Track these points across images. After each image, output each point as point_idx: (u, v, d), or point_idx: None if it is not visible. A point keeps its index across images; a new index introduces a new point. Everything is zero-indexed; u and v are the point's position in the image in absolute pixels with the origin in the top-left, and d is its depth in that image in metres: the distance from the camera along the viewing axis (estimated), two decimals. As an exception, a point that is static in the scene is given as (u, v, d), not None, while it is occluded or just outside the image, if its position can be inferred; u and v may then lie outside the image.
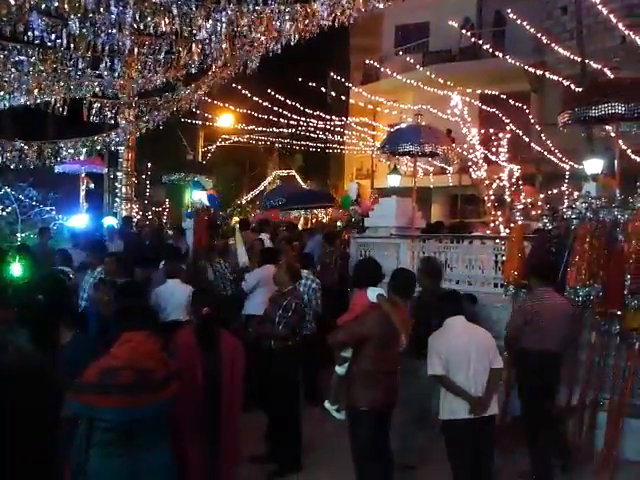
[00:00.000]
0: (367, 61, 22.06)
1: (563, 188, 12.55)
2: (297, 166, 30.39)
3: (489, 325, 7.02)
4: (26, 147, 10.24)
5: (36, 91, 8.65)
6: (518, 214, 7.12)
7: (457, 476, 4.35)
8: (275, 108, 19.91)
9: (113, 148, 12.62)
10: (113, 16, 5.95)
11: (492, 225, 11.78)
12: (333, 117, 21.36)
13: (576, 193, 7.32)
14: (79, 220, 13.91)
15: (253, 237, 10.19)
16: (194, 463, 3.85)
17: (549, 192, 12.50)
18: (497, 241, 7.65)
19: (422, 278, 5.70)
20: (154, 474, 3.22)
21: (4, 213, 14.01)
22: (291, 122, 21.06)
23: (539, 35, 15.70)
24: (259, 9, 6.00)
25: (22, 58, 7.98)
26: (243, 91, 17.85)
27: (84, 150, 10.81)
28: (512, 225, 7.30)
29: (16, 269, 8.01)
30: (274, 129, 22.27)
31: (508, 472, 5.38)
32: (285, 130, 22.26)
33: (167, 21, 5.93)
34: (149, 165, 18.79)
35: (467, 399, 4.19)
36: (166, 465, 3.30)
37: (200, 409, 3.92)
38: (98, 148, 11.15)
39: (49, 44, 7.75)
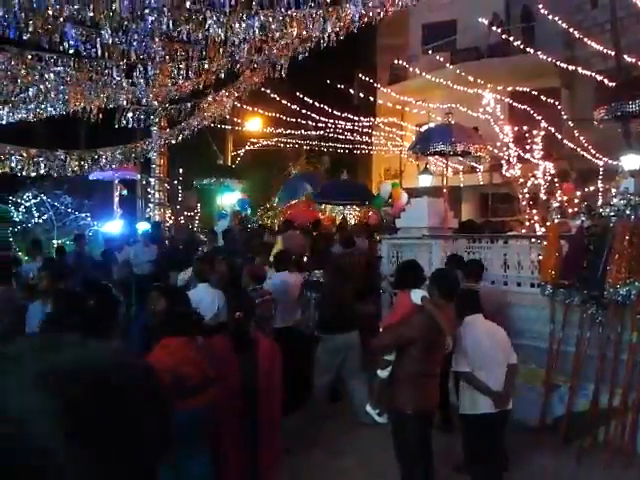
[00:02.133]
0: (395, 61, 21.97)
1: (599, 184, 12.30)
2: (325, 168, 30.40)
3: (520, 325, 7.00)
4: (68, 157, 10.48)
5: (73, 100, 8.83)
6: (555, 212, 7.01)
7: (473, 468, 4.45)
8: (303, 110, 19.96)
9: (148, 155, 12.81)
10: (148, 24, 6.04)
11: (527, 224, 11.61)
12: (361, 118, 21.33)
13: (613, 190, 7.19)
14: (114, 226, 14.14)
15: (300, 236, 10.27)
16: (235, 467, 3.87)
17: (585, 189, 12.26)
18: (533, 240, 7.55)
19: None
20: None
21: (40, 220, 14.30)
22: (319, 124, 21.09)
23: (569, 29, 15.45)
24: (290, 13, 6.02)
25: (59, 69, 8.15)
26: (271, 94, 17.93)
27: (122, 158, 11.01)
28: (548, 224, 7.20)
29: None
30: (302, 131, 22.31)
31: (553, 472, 5.33)
32: (313, 132, 22.29)
33: (200, 28, 5.99)
34: (180, 170, 19.00)
35: (489, 394, 4.36)
36: (205, 474, 3.27)
37: (238, 413, 3.94)
38: (135, 155, 11.34)
39: (84, 54, 7.91)
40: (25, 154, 10.22)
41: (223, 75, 9.38)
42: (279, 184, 26.68)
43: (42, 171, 10.57)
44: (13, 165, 10.39)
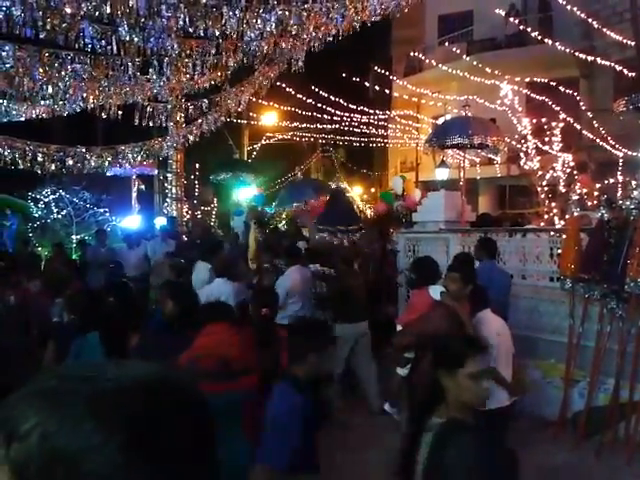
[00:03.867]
0: (410, 53, 21.83)
1: (618, 176, 12.11)
2: (340, 161, 30.38)
3: (539, 319, 6.97)
4: (88, 153, 10.57)
5: (91, 97, 8.89)
6: (574, 205, 6.94)
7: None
8: (318, 104, 19.93)
9: (166, 152, 12.86)
10: (164, 20, 6.05)
11: (546, 217, 11.49)
12: (376, 111, 21.24)
13: (634, 182, 7.10)
14: (132, 221, 14.25)
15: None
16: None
17: (605, 181, 12.09)
18: (552, 233, 7.48)
19: None
20: (228, 469, 3.18)
21: (59, 216, 14.44)
22: (334, 117, 21.04)
23: (587, 19, 15.21)
24: (308, 7, 6.00)
25: (76, 65, 8.20)
26: (286, 88, 17.91)
27: (141, 155, 11.08)
28: (567, 217, 7.13)
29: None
30: (318, 125, 22.29)
31: (572, 467, 5.30)
32: (328, 126, 22.26)
33: (217, 23, 5.99)
34: (197, 165, 19.07)
35: (507, 386, 4.47)
36: (241, 463, 3.29)
37: (257, 408, 3.94)
38: (154, 153, 11.39)
39: (99, 50, 7.96)
40: (45, 150, 10.33)
41: (239, 70, 9.40)
42: (295, 178, 26.66)
43: (62, 167, 10.67)
44: (33, 161, 10.50)
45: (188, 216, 15.51)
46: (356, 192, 27.45)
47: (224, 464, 2.67)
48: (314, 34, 6.49)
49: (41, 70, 7.99)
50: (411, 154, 24.09)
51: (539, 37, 16.14)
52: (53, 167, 10.54)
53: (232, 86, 10.10)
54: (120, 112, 10.50)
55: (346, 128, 22.09)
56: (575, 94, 16.77)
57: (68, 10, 6.25)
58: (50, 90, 8.42)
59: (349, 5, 5.90)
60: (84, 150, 10.69)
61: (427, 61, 20.26)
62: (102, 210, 14.62)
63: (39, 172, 11.03)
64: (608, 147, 15.09)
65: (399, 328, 4.96)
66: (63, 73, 8.11)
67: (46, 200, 14.49)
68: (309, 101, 19.65)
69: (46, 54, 8.15)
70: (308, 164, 28.72)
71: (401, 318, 4.74)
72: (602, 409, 5.93)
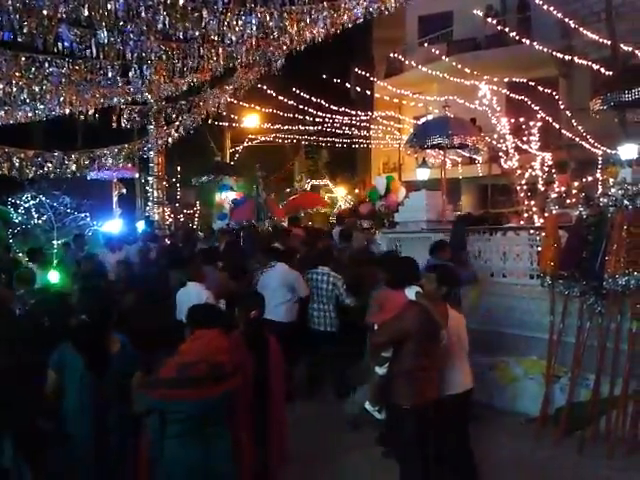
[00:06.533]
0: (391, 54, 21.91)
1: (597, 175, 12.27)
2: (323, 162, 30.43)
3: (520, 316, 7.04)
4: (66, 158, 10.50)
5: (69, 102, 8.82)
6: (552, 203, 7.01)
7: (453, 444, 4.59)
8: (300, 106, 19.94)
9: (145, 154, 12.81)
10: (144, 22, 6.02)
11: (525, 215, 11.60)
12: (358, 112, 21.30)
13: (611, 180, 7.18)
14: (113, 225, 14.14)
15: None
16: (248, 452, 3.88)
17: (583, 179, 12.23)
18: (532, 231, 7.55)
19: None
20: (222, 460, 3.41)
21: (40, 221, 14.27)
22: (316, 119, 21.06)
23: (565, 19, 15.37)
24: (287, 9, 6.00)
25: (53, 69, 8.13)
26: (268, 90, 17.90)
27: (121, 157, 11.02)
28: (546, 215, 7.19)
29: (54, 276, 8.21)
30: (300, 127, 22.30)
31: (555, 463, 5.35)
32: (311, 127, 22.28)
33: (197, 26, 5.97)
34: (179, 168, 18.99)
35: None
36: (230, 451, 3.48)
37: (249, 409, 3.95)
38: (132, 155, 11.34)
39: (78, 54, 7.91)
40: (23, 155, 10.23)
41: (219, 72, 9.38)
42: (279, 180, 26.62)
43: (40, 172, 10.59)
44: (12, 166, 10.40)
45: (170, 219, 15.42)
46: (340, 193, 27.46)
47: (221, 455, 2.92)
48: (296, 37, 6.49)
49: (17, 74, 7.90)
50: (394, 155, 24.19)
51: (518, 37, 16.29)
52: (32, 173, 10.45)
53: (212, 88, 10.09)
54: (100, 115, 10.44)
55: (329, 129, 22.13)
56: (554, 93, 16.93)
57: (45, 13, 6.19)
58: (27, 94, 8.34)
59: (330, 9, 5.91)
60: (62, 155, 10.61)
61: (408, 62, 20.34)
62: (83, 215, 14.47)
63: (17, 177, 10.93)
64: (587, 145, 15.26)
65: (376, 327, 4.97)
66: (40, 77, 8.03)
67: (26, 205, 14.31)
68: (291, 102, 19.64)
69: (22, 58, 8.08)
70: (292, 165, 28.73)
71: (376, 318, 4.75)
72: (583, 404, 5.99)
